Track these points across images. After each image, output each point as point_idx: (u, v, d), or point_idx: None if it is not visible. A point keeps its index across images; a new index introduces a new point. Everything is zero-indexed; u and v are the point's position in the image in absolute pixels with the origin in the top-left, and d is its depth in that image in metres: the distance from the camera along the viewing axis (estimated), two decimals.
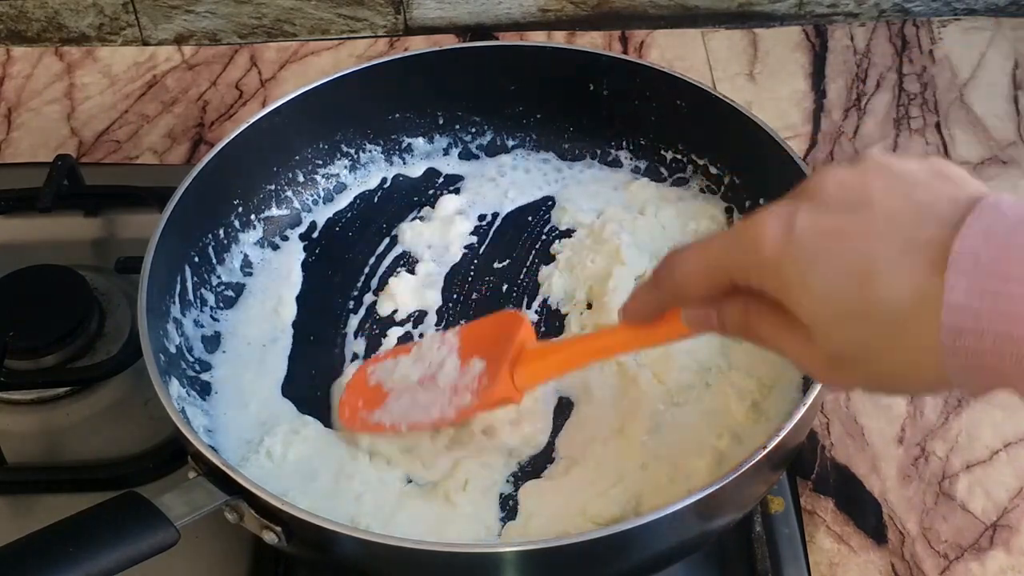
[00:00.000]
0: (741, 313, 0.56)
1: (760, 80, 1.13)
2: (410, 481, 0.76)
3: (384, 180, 0.97)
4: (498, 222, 0.93)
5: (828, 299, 0.49)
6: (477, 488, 0.75)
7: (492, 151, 0.98)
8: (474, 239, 0.92)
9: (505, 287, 0.89)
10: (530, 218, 0.93)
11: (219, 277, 0.88)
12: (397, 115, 0.96)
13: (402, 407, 0.76)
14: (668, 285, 0.58)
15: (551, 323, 0.86)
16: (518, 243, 0.92)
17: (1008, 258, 0.45)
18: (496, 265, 0.91)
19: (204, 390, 0.81)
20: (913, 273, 0.47)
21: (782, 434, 0.65)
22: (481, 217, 0.94)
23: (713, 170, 0.91)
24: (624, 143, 0.95)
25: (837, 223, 0.50)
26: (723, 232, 0.55)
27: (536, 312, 0.87)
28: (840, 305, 0.49)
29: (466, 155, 0.98)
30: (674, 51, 1.16)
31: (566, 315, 0.86)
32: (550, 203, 0.94)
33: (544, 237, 0.92)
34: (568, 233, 0.92)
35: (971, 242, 0.46)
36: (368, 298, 0.89)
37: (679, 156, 0.93)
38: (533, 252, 0.91)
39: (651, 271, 0.61)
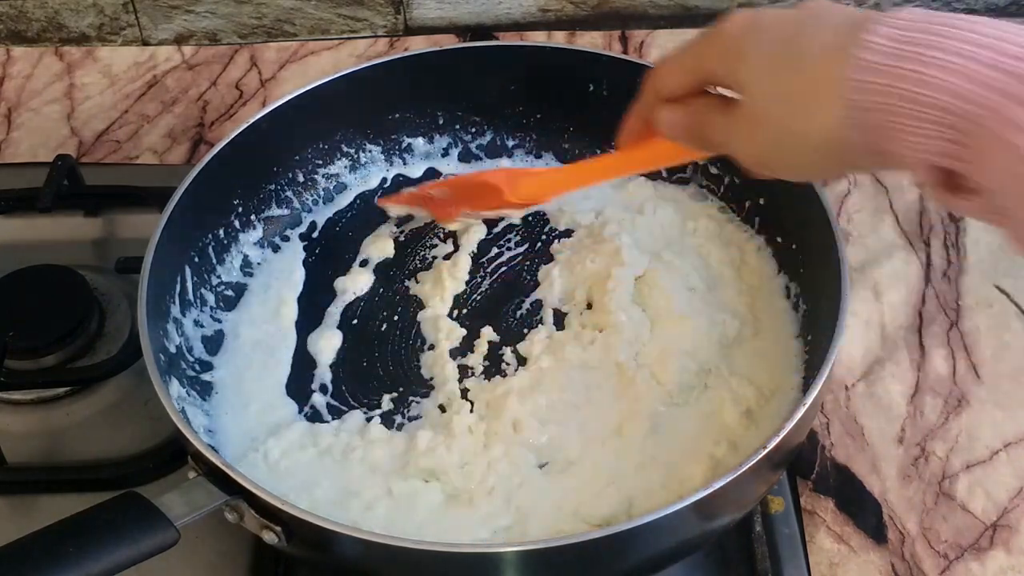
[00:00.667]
0: (701, 111, 0.63)
1: None
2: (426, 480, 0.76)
3: (384, 180, 0.97)
4: (500, 223, 0.94)
5: (763, 58, 0.58)
6: (501, 490, 0.75)
7: (492, 151, 0.98)
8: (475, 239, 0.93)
9: (506, 286, 0.89)
10: (530, 218, 0.93)
11: (219, 277, 0.88)
12: (397, 115, 0.96)
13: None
14: (648, 86, 0.67)
15: (557, 322, 0.86)
16: (516, 243, 0.92)
17: (927, 28, 0.51)
18: (497, 265, 0.91)
19: (204, 390, 0.81)
20: (839, 30, 0.54)
21: (782, 434, 0.65)
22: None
23: (713, 170, 0.91)
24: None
25: (792, 13, 0.58)
26: (694, 39, 0.63)
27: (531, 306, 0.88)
28: (769, 60, 0.57)
29: (466, 155, 0.98)
30: None
31: (566, 314, 0.86)
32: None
33: (544, 237, 0.92)
34: (568, 233, 0.92)
35: (883, 30, 0.52)
36: None
37: None
38: (533, 252, 0.91)
39: None
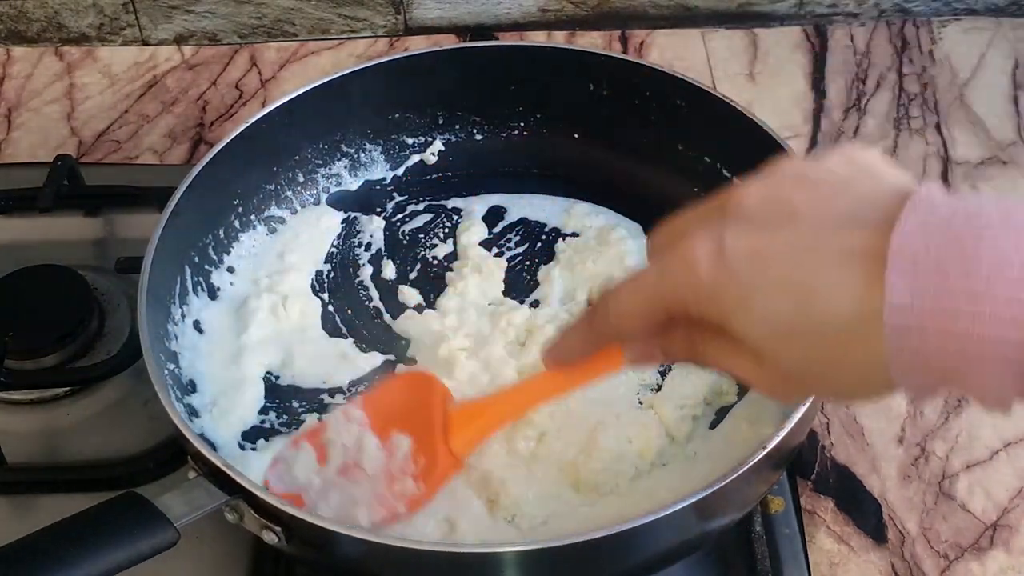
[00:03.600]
0: (685, 341, 0.54)
1: (760, 80, 1.13)
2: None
3: (384, 180, 0.97)
4: (499, 223, 0.94)
5: (770, 320, 0.48)
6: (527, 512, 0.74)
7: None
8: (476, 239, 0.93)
9: (506, 285, 0.89)
10: (530, 219, 0.94)
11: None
12: (397, 115, 0.96)
13: (342, 505, 0.69)
14: (603, 327, 0.56)
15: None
16: (516, 243, 0.93)
17: (946, 254, 0.43)
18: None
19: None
20: (851, 284, 0.46)
21: (782, 434, 0.65)
22: (484, 218, 0.94)
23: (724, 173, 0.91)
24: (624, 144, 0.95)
25: (766, 241, 0.48)
26: (652, 265, 0.53)
27: (530, 306, 0.87)
28: (783, 326, 0.48)
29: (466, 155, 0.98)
30: (674, 51, 1.16)
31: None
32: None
33: (544, 237, 0.92)
34: (574, 235, 0.92)
35: (908, 240, 0.44)
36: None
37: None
38: (533, 252, 0.92)
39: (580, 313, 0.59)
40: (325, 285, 0.90)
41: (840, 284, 0.46)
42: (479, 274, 0.89)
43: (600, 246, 0.89)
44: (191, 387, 0.80)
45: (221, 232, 0.89)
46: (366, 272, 0.91)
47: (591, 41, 1.18)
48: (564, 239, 0.92)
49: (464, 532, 0.71)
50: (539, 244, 0.92)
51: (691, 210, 0.54)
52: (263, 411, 0.81)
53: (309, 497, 0.69)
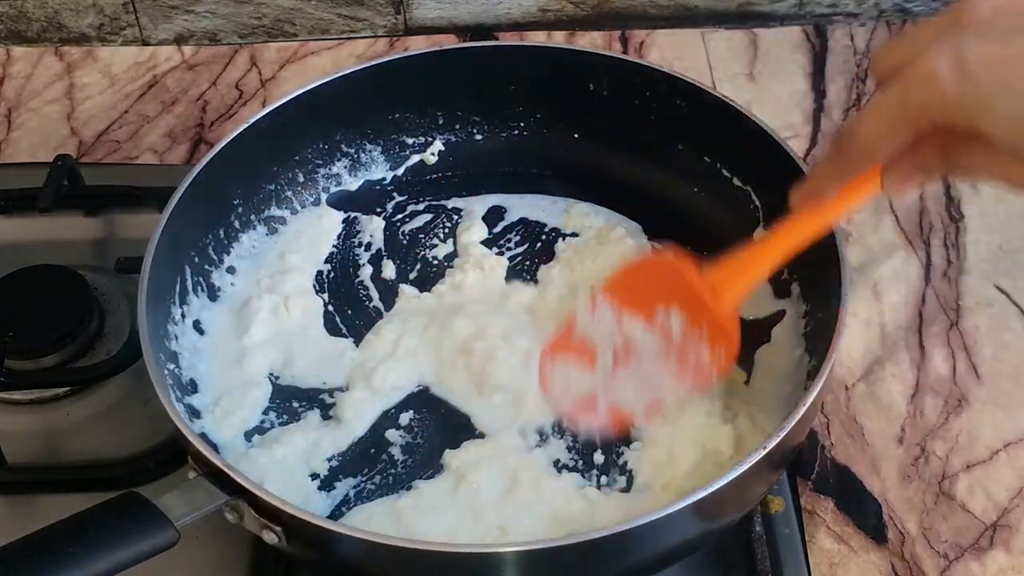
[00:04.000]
0: (940, 154, 0.58)
1: (760, 80, 1.13)
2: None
3: (384, 180, 0.97)
4: (499, 223, 0.94)
5: (1019, 118, 0.52)
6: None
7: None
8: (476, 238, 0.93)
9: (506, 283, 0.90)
10: (530, 218, 0.94)
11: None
12: (397, 115, 0.96)
13: (634, 396, 0.73)
14: (854, 152, 0.58)
15: None
16: (516, 243, 0.93)
17: None
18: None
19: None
20: None
21: (782, 434, 0.65)
22: (484, 218, 0.94)
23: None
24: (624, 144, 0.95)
25: (1005, 49, 0.52)
26: (890, 86, 0.55)
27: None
28: None
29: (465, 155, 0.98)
30: (674, 51, 1.16)
31: None
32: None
33: (544, 237, 0.92)
34: (574, 235, 0.92)
35: None
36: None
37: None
38: (533, 251, 0.92)
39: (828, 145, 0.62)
40: (325, 285, 0.90)
41: None
42: (480, 271, 0.89)
43: (600, 246, 0.89)
44: (191, 387, 0.80)
45: (221, 232, 0.89)
46: (366, 272, 0.91)
47: (591, 41, 1.18)
48: (564, 239, 0.92)
49: None
50: (539, 244, 0.92)
51: (916, 28, 0.57)
52: (263, 411, 0.82)
53: (602, 402, 0.72)
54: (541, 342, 0.81)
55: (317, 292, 0.90)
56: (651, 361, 0.72)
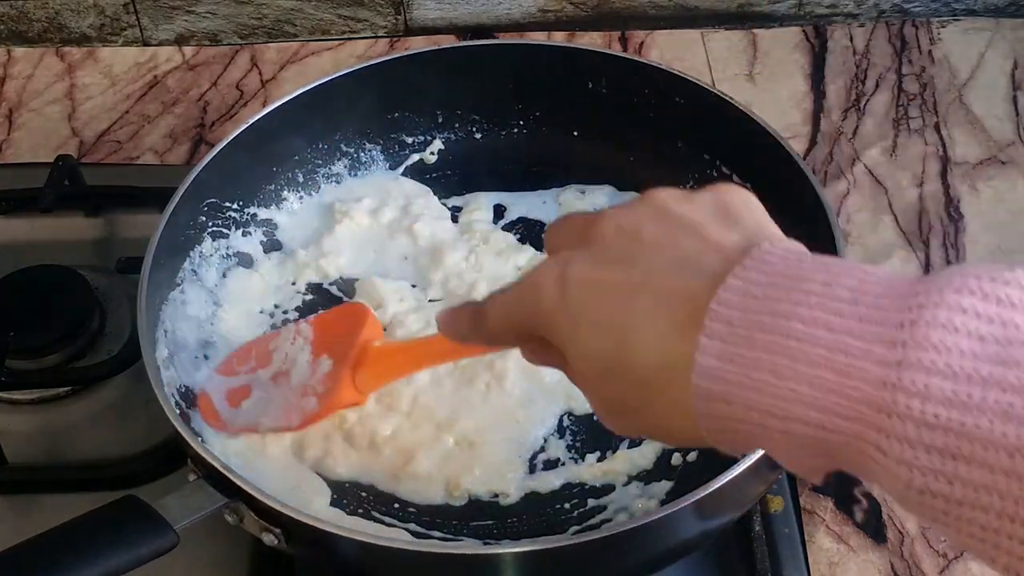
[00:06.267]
0: (544, 353, 0.53)
1: (760, 80, 1.13)
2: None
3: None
4: (501, 222, 0.94)
5: (590, 356, 0.48)
6: None
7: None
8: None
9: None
10: (531, 217, 0.94)
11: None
12: (397, 115, 0.96)
13: (258, 407, 0.77)
14: (481, 330, 0.56)
15: None
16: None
17: (759, 322, 0.41)
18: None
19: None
20: (663, 335, 0.45)
21: None
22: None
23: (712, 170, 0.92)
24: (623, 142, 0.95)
25: (604, 275, 0.47)
26: (517, 282, 0.53)
27: None
28: (600, 363, 0.47)
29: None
30: (674, 51, 1.16)
31: None
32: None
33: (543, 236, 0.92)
34: None
35: (729, 299, 0.42)
36: None
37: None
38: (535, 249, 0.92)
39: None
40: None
41: (652, 333, 0.45)
42: (486, 244, 0.90)
43: None
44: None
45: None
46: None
47: (591, 41, 1.18)
48: None
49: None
50: (539, 242, 0.92)
51: (577, 216, 0.53)
52: None
53: (249, 390, 0.77)
54: None
55: None
56: (286, 388, 0.76)
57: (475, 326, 0.56)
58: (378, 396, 0.78)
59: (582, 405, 0.80)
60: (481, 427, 0.78)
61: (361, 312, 0.78)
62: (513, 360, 0.79)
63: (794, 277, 0.42)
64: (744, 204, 0.48)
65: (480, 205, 0.94)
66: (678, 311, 0.44)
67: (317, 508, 0.75)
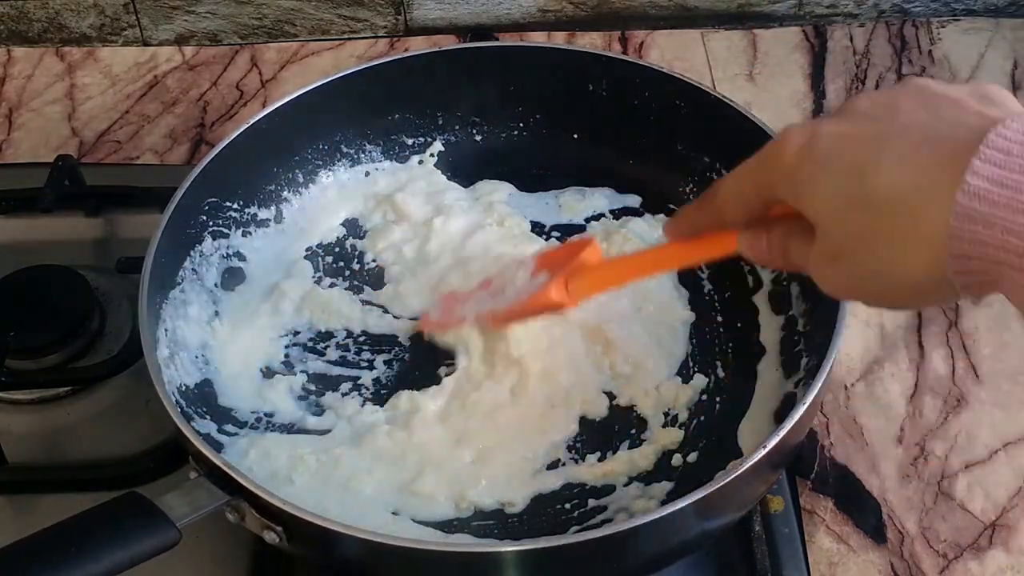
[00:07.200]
0: (781, 237, 0.56)
1: (760, 80, 1.13)
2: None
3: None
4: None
5: (832, 193, 0.50)
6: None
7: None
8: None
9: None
10: (532, 220, 0.94)
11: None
12: (397, 115, 0.96)
13: (468, 306, 0.81)
14: (709, 207, 0.59)
15: None
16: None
17: None
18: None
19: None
20: (924, 164, 0.46)
21: (782, 433, 0.65)
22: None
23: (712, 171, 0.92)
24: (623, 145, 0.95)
25: (856, 129, 0.50)
26: (757, 153, 0.55)
27: None
28: (844, 198, 0.49)
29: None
30: (674, 52, 1.16)
31: None
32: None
33: (544, 237, 0.93)
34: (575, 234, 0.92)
35: (1007, 135, 0.45)
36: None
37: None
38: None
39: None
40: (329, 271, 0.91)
41: (911, 163, 0.47)
42: (501, 227, 0.90)
43: (608, 236, 0.89)
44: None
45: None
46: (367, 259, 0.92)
47: (591, 41, 1.18)
48: (565, 239, 0.92)
49: None
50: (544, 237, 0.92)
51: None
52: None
53: (462, 301, 0.82)
54: None
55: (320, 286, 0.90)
56: (501, 296, 0.80)
57: (704, 204, 0.59)
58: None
59: (597, 409, 0.80)
60: (499, 440, 0.78)
61: (585, 240, 0.78)
62: (533, 369, 0.80)
63: None
64: (1004, 93, 0.50)
65: (498, 186, 0.95)
66: (940, 149, 0.46)
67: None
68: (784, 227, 0.56)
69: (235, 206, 0.89)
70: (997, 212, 0.44)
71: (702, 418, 0.80)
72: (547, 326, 0.81)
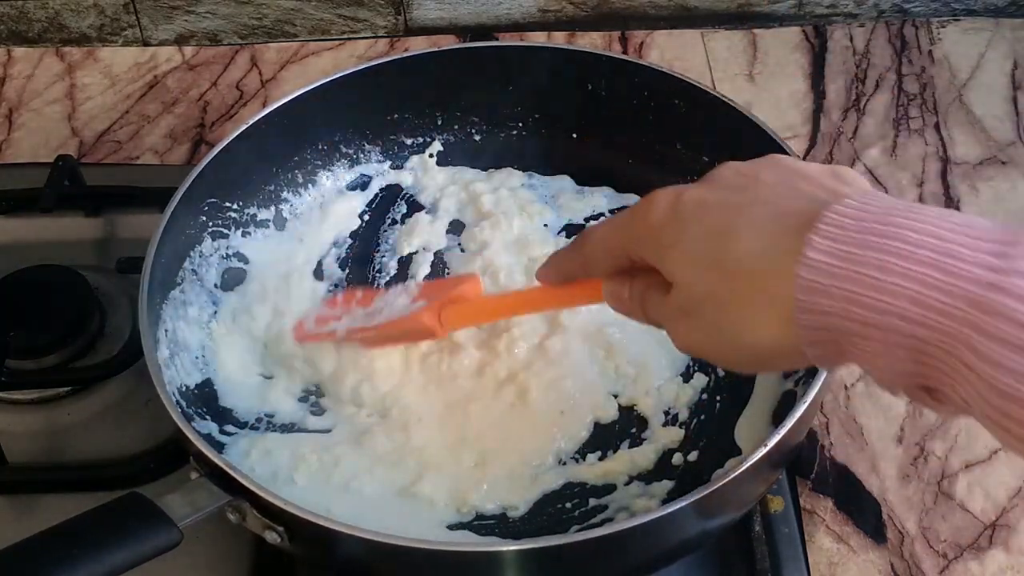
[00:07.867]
0: (641, 290, 0.58)
1: (760, 80, 1.13)
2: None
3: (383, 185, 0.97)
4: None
5: (691, 254, 0.52)
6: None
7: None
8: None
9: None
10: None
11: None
12: (396, 116, 0.96)
13: (342, 322, 0.81)
14: (578, 256, 0.62)
15: None
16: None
17: (869, 227, 0.46)
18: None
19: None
20: (775, 233, 0.49)
21: (782, 433, 0.66)
22: None
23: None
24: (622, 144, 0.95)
25: (719, 196, 0.53)
26: (628, 208, 0.58)
27: None
28: (700, 260, 0.52)
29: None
30: (674, 52, 1.16)
31: None
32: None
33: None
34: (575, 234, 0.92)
35: (841, 212, 0.47)
36: None
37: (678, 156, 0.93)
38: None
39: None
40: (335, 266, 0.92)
41: (763, 232, 0.49)
42: (518, 218, 0.91)
43: None
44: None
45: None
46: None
47: (591, 41, 1.18)
48: (564, 238, 0.92)
49: None
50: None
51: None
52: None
53: (340, 319, 0.81)
54: None
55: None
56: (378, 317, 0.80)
57: (573, 253, 0.62)
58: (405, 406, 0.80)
59: (608, 413, 0.80)
60: (503, 444, 0.78)
61: (471, 276, 0.81)
62: (536, 377, 0.80)
63: (908, 207, 0.46)
64: (855, 174, 0.52)
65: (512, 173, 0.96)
66: (789, 220, 0.49)
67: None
68: (645, 280, 0.58)
69: (235, 206, 0.89)
70: (836, 284, 0.46)
71: (703, 417, 0.80)
72: (543, 337, 0.81)
